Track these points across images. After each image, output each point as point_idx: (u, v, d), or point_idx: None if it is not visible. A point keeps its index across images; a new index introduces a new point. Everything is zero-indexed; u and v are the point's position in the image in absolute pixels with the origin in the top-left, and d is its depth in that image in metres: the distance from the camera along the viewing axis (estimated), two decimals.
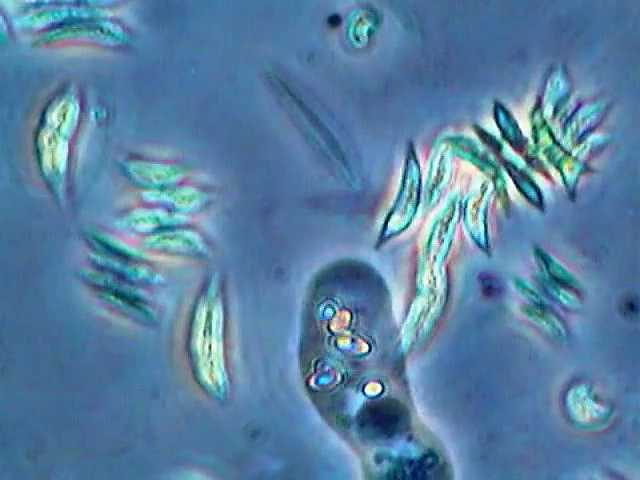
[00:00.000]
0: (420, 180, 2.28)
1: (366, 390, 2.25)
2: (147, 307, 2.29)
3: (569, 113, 2.28)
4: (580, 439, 2.33)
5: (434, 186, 2.28)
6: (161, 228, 2.29)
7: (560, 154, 2.26)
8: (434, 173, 2.28)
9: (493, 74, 2.30)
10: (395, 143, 2.30)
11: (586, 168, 2.28)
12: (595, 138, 2.29)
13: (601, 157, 2.30)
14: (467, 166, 2.29)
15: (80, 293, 2.30)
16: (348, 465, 2.33)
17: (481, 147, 2.27)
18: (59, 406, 2.33)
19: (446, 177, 2.28)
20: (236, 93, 2.31)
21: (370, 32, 2.30)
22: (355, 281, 2.27)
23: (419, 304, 2.30)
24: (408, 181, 2.28)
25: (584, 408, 2.31)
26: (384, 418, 2.24)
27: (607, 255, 2.32)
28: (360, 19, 2.29)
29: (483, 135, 2.27)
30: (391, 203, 2.30)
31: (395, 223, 2.29)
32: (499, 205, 2.28)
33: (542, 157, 2.26)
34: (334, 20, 2.29)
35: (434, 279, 2.29)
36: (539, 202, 2.29)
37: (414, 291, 2.31)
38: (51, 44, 2.28)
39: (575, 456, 2.32)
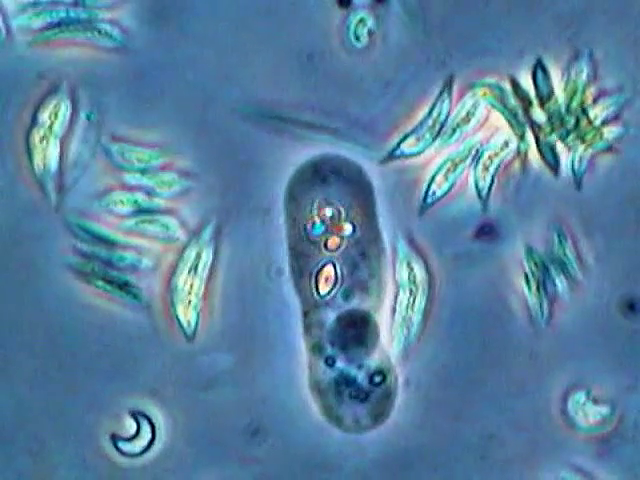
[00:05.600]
0: (448, 115, 2.28)
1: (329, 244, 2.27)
2: (136, 291, 2.29)
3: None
4: (580, 439, 2.34)
5: (458, 126, 2.28)
6: (140, 211, 2.29)
7: (587, 125, 2.25)
8: (463, 113, 2.28)
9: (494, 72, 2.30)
10: (433, 75, 2.30)
11: (609, 147, 2.28)
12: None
13: (603, 157, 2.30)
14: (497, 119, 2.29)
15: (78, 289, 2.30)
16: (349, 465, 2.34)
17: (513, 100, 2.26)
18: (59, 406, 2.33)
19: (473, 122, 2.28)
20: (235, 93, 2.30)
21: (370, 32, 2.29)
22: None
23: (404, 298, 2.30)
24: (435, 111, 2.28)
25: (586, 413, 2.32)
26: (356, 326, 2.26)
27: (607, 254, 2.32)
28: (361, 19, 2.29)
29: (517, 88, 2.27)
30: (410, 127, 2.30)
31: (408, 146, 2.29)
32: (517, 164, 2.28)
33: (568, 122, 2.25)
34: (343, 1, 2.28)
35: (412, 270, 2.30)
36: (555, 167, 2.28)
37: (396, 287, 2.31)
38: (48, 44, 2.27)
39: (574, 456, 2.33)
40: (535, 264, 2.30)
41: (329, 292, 2.26)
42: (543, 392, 2.33)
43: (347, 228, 2.26)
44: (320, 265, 2.27)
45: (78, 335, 2.32)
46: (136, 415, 2.32)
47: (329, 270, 2.27)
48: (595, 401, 2.32)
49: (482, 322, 2.33)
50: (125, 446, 2.33)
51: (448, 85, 2.28)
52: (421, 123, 2.29)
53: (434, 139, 2.29)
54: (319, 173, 2.27)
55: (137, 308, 2.30)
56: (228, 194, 2.31)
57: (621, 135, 2.29)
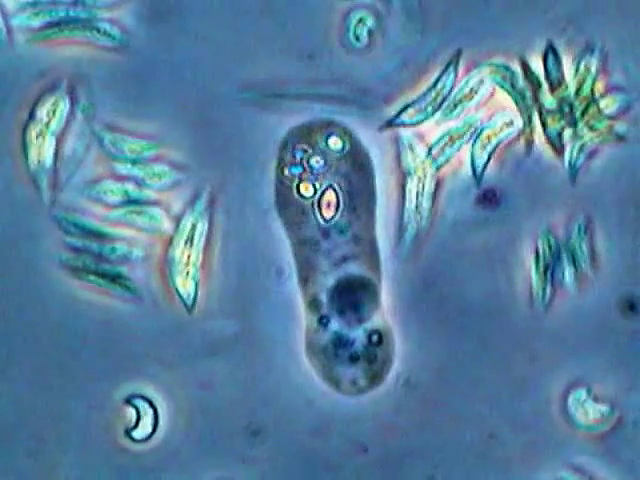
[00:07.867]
0: (452, 89, 2.28)
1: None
2: (129, 283, 2.30)
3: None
4: (580, 437, 2.34)
5: (460, 101, 2.28)
6: (129, 202, 2.29)
7: (596, 112, 2.25)
8: (466, 90, 2.28)
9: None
10: (442, 48, 2.30)
11: (618, 136, 2.28)
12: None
13: (601, 156, 2.30)
14: (502, 99, 2.29)
15: (75, 286, 2.30)
16: (349, 465, 2.34)
17: (521, 82, 2.26)
18: (59, 405, 2.33)
19: (475, 99, 2.28)
20: (234, 93, 2.30)
21: (370, 32, 2.29)
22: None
23: (413, 186, 2.30)
24: (440, 84, 2.28)
25: (586, 411, 2.32)
26: (354, 291, 2.27)
27: (607, 254, 2.33)
28: (360, 19, 2.29)
29: (527, 70, 2.26)
30: (413, 97, 2.30)
31: (408, 115, 2.29)
32: (523, 146, 2.28)
33: (577, 107, 2.25)
34: None
35: (417, 156, 2.30)
36: (560, 149, 2.28)
37: (404, 176, 2.31)
38: (48, 43, 2.28)
39: (575, 455, 2.33)
40: (549, 247, 2.30)
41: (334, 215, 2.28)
42: (543, 391, 2.33)
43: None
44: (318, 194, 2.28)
45: (77, 332, 2.32)
46: (132, 400, 2.32)
47: (330, 195, 2.28)
48: (596, 399, 2.32)
49: (483, 305, 2.33)
50: (134, 433, 2.33)
51: (455, 59, 2.28)
52: (424, 95, 2.29)
53: (435, 112, 2.29)
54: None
55: (131, 300, 2.30)
56: (227, 193, 2.31)
57: (625, 132, 2.29)
